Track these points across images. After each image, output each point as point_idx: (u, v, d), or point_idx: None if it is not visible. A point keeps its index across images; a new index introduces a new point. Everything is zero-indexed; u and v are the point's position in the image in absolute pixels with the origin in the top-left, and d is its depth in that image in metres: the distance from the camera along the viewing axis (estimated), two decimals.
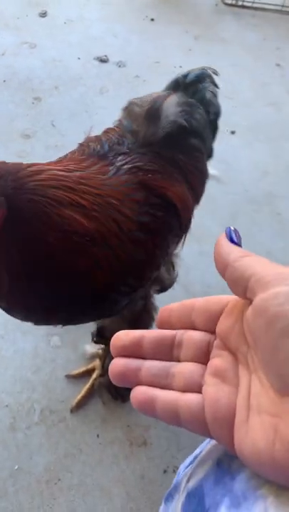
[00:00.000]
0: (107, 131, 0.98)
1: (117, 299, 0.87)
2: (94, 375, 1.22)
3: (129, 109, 0.97)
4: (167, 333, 0.37)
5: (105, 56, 2.24)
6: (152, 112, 0.92)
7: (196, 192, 1.03)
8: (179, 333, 0.37)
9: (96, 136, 0.96)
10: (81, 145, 0.95)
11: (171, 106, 0.94)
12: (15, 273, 0.74)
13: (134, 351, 0.36)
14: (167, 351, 0.36)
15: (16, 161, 0.75)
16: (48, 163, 0.81)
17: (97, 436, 1.13)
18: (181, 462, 1.17)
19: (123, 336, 0.37)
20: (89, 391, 1.20)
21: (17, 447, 1.10)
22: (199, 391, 0.34)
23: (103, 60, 2.22)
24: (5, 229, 0.70)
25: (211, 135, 1.09)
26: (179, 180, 0.95)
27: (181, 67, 2.27)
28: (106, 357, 1.20)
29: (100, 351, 1.22)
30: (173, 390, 0.35)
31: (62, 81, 2.09)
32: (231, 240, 0.36)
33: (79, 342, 1.29)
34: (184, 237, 1.05)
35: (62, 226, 0.73)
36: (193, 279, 1.47)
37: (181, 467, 0.46)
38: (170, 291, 1.40)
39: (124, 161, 0.89)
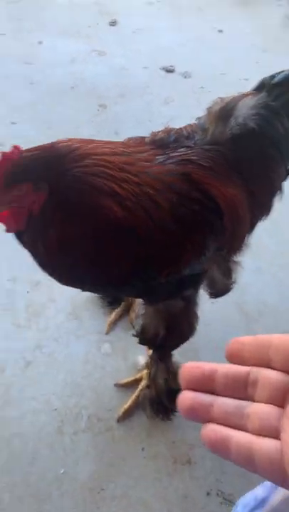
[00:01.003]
0: (185, 126, 0.97)
1: (137, 284, 0.87)
2: (140, 386, 1.21)
3: (210, 107, 0.95)
4: (241, 369, 0.35)
5: (171, 66, 2.25)
6: (224, 111, 0.91)
7: (260, 201, 0.99)
8: (253, 370, 0.35)
9: (170, 128, 0.96)
10: (153, 132, 0.96)
11: (245, 107, 0.90)
12: (50, 249, 0.79)
13: (205, 385, 0.35)
14: (241, 388, 0.35)
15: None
16: (100, 142, 0.82)
17: (142, 449, 1.13)
18: (225, 486, 1.14)
19: (194, 368, 0.36)
20: (135, 401, 1.19)
21: (64, 451, 1.11)
22: (276, 436, 0.32)
23: (169, 70, 2.24)
24: (44, 211, 0.75)
25: None
26: (236, 183, 0.91)
27: (246, 79, 2.23)
28: (153, 366, 1.19)
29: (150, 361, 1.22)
30: (247, 431, 0.33)
31: (128, 89, 2.11)
32: None
33: (129, 351, 1.29)
34: (239, 246, 1.00)
35: (96, 214, 0.76)
36: (248, 298, 1.44)
37: (240, 505, 0.45)
38: (223, 308, 1.37)
39: (181, 153, 0.87)
